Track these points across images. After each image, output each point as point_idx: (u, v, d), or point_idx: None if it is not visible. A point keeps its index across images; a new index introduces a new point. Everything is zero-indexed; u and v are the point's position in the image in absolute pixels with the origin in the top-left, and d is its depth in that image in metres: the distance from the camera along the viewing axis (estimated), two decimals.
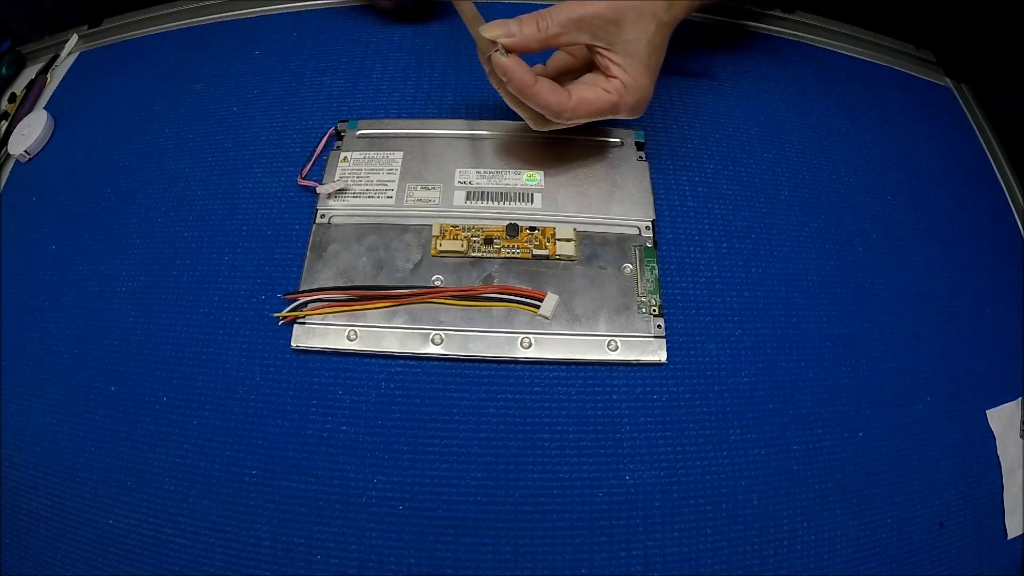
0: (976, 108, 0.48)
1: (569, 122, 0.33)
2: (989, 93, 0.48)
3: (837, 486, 0.33)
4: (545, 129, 0.35)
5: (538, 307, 0.34)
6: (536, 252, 0.35)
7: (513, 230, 0.35)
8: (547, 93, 0.32)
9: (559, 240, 0.36)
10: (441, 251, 0.35)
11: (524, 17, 0.32)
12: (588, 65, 0.35)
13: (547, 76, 0.34)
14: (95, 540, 0.31)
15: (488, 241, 0.35)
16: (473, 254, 0.35)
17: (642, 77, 0.33)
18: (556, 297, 0.34)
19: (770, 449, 0.33)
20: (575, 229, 0.36)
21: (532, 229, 0.36)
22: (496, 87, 0.34)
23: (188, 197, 0.39)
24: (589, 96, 0.33)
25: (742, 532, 0.31)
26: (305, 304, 0.34)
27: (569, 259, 0.35)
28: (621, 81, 0.33)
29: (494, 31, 0.32)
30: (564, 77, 0.36)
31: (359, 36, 0.45)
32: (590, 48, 0.33)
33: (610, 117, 0.34)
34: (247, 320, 0.35)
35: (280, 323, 0.34)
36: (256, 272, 0.36)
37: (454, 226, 0.36)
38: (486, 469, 0.31)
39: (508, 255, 0.35)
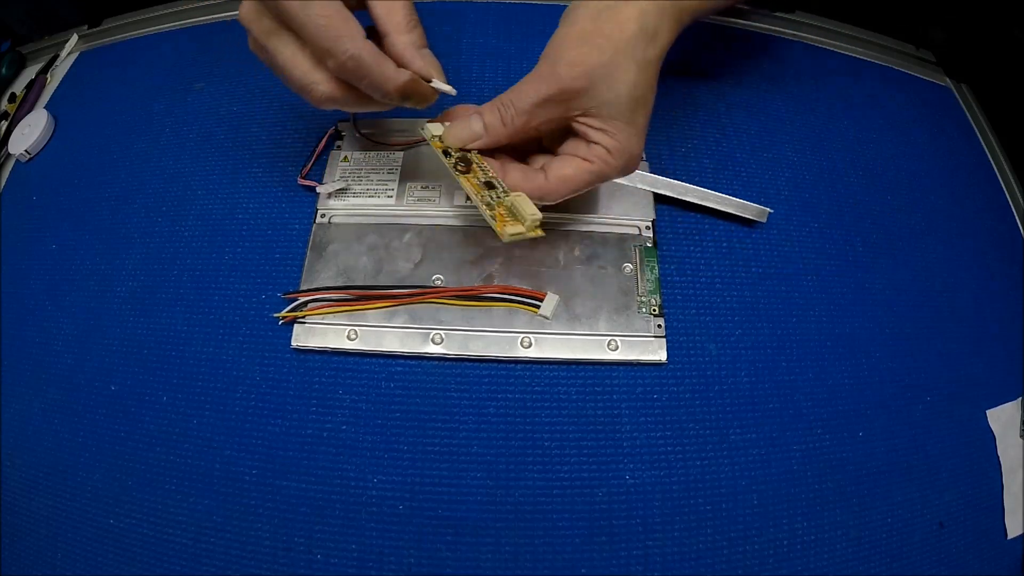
0: (976, 108, 0.48)
1: (554, 203, 0.30)
2: (989, 93, 0.48)
3: (837, 486, 0.33)
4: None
5: (538, 307, 0.34)
6: (509, 229, 0.29)
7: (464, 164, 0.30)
8: (519, 183, 0.29)
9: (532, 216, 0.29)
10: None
11: (485, 108, 0.29)
12: (566, 128, 0.30)
13: (520, 146, 0.30)
14: (95, 540, 0.31)
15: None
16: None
17: (627, 137, 0.29)
18: (556, 297, 0.34)
19: (770, 449, 0.33)
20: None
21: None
22: None
23: (188, 197, 0.39)
24: (568, 172, 0.29)
25: (742, 532, 0.31)
26: (305, 304, 0.34)
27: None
28: (604, 147, 0.29)
29: (460, 135, 0.30)
30: (549, 141, 0.32)
31: None
32: (564, 117, 0.29)
33: (597, 184, 0.30)
34: (247, 320, 0.35)
35: (280, 323, 0.34)
36: (256, 272, 0.36)
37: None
38: (486, 469, 0.31)
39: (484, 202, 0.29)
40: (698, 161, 0.40)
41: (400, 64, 0.28)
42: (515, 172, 0.30)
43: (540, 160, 0.31)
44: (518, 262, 0.35)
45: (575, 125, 0.29)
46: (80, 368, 0.35)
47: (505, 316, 0.34)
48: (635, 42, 0.28)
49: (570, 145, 0.30)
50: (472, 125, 0.29)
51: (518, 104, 0.28)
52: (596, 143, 0.29)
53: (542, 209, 0.29)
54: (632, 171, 0.30)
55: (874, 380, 0.35)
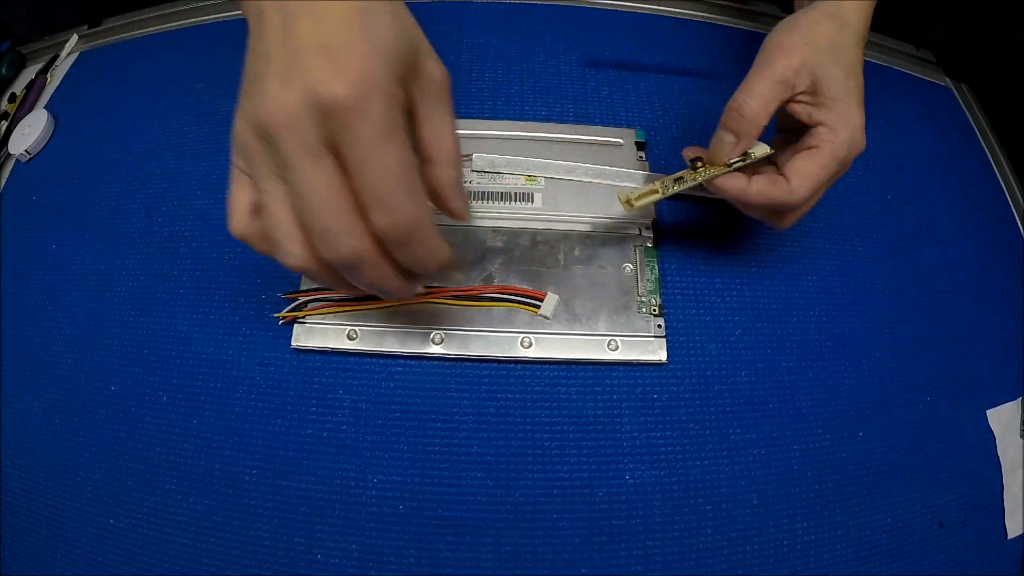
0: (976, 108, 0.48)
1: (809, 204, 0.31)
2: (989, 93, 0.48)
3: (837, 486, 0.33)
4: (792, 222, 0.32)
5: (538, 307, 0.34)
6: (732, 163, 0.31)
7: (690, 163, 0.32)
8: (766, 192, 0.30)
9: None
10: (636, 199, 0.32)
11: (722, 120, 0.31)
12: (795, 127, 0.32)
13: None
14: (95, 540, 0.31)
15: (678, 179, 0.32)
16: (670, 193, 0.32)
17: (845, 108, 0.30)
18: (556, 297, 0.34)
19: (770, 449, 0.33)
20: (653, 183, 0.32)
21: None
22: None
23: (188, 197, 0.39)
24: (801, 164, 0.30)
25: (742, 532, 0.31)
26: (305, 304, 0.34)
27: (764, 156, 0.31)
28: (824, 124, 0.30)
29: (721, 152, 0.31)
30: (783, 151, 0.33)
31: None
32: (790, 100, 0.31)
33: (838, 171, 0.31)
34: (247, 320, 0.35)
35: (280, 323, 0.34)
36: (256, 272, 0.36)
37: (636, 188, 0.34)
38: (486, 469, 0.31)
39: (705, 178, 0.32)
40: None
41: (435, 198, 0.25)
42: (759, 181, 0.31)
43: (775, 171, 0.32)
44: (518, 262, 0.35)
45: (796, 109, 0.31)
46: (80, 368, 0.35)
47: (505, 316, 0.34)
48: (830, 30, 0.30)
49: (799, 144, 0.31)
50: (724, 139, 0.31)
51: (751, 97, 0.30)
52: (818, 122, 0.30)
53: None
54: (860, 145, 0.30)
55: (874, 380, 0.35)
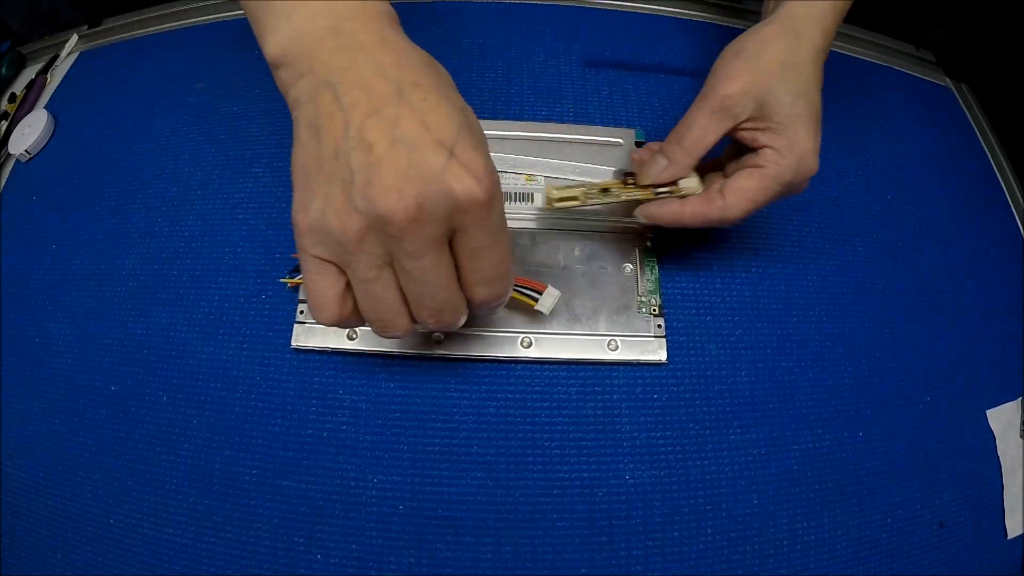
0: (976, 108, 0.48)
1: (741, 218, 0.30)
2: (989, 93, 0.48)
3: (837, 486, 0.33)
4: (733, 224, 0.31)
5: (536, 299, 0.33)
6: (659, 191, 0.32)
7: (620, 175, 0.32)
8: (701, 211, 0.30)
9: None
10: (557, 201, 0.32)
11: (664, 144, 0.31)
12: (741, 147, 0.31)
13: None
14: (95, 540, 0.31)
15: (604, 190, 0.33)
16: (591, 203, 0.33)
17: (792, 132, 0.29)
18: (557, 292, 0.32)
19: (770, 449, 0.33)
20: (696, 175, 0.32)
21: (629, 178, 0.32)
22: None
23: (188, 197, 0.39)
24: (742, 183, 0.30)
25: (742, 532, 0.31)
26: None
27: (693, 192, 0.31)
28: (771, 147, 0.29)
29: (650, 173, 0.31)
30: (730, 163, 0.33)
31: None
32: (734, 130, 0.30)
33: (782, 193, 0.30)
34: (247, 320, 0.35)
35: (288, 287, 0.34)
36: (256, 272, 0.36)
37: (566, 185, 0.34)
38: (486, 469, 0.31)
39: (629, 198, 0.32)
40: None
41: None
42: (694, 202, 0.31)
43: (718, 183, 0.31)
44: (518, 262, 0.35)
45: (742, 135, 0.30)
46: (80, 368, 0.35)
47: (505, 316, 0.34)
48: (781, 48, 0.29)
49: (743, 160, 0.31)
50: (657, 161, 0.31)
51: (689, 128, 0.30)
52: (764, 146, 0.29)
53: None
54: (810, 169, 0.29)
55: (874, 380, 0.35)
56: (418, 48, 0.24)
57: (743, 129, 0.30)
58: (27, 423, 0.34)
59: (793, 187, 0.30)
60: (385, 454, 0.32)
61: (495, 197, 0.22)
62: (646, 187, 0.32)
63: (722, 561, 0.31)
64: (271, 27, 0.24)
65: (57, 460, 0.33)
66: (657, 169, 0.31)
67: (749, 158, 0.30)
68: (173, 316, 0.35)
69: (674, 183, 0.31)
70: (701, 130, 0.30)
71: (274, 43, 0.24)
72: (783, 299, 0.36)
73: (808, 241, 0.38)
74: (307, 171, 0.23)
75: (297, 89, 0.23)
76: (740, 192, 0.29)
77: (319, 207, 0.22)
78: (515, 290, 0.33)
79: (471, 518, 0.31)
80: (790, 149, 0.29)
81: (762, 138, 0.30)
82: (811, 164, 0.29)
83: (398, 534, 0.30)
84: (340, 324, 0.25)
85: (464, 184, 0.21)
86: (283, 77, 0.24)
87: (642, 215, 0.32)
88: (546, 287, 0.33)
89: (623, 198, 0.32)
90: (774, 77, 0.29)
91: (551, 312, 0.33)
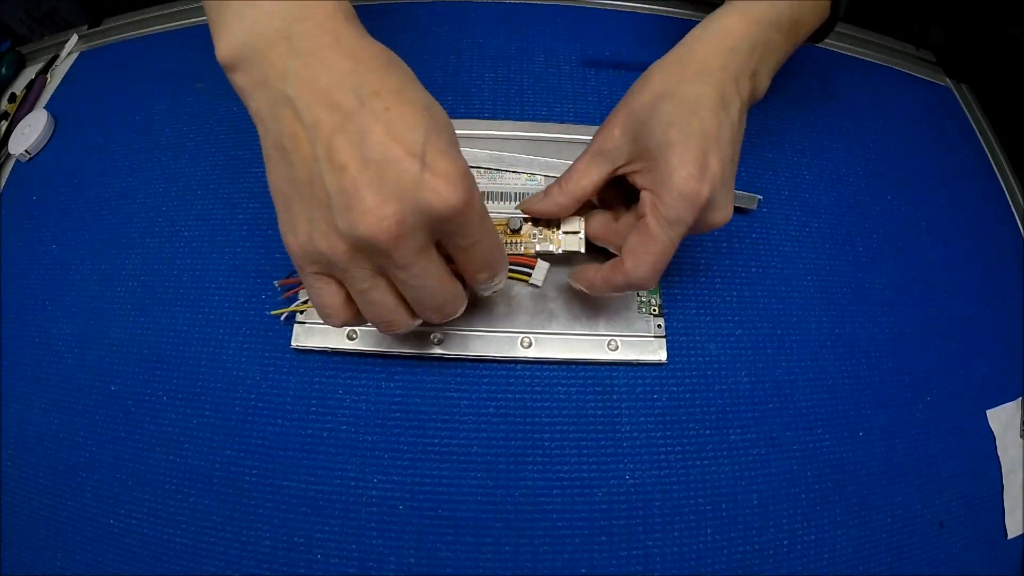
0: (976, 108, 0.48)
1: (653, 276, 0.28)
2: (989, 93, 0.48)
3: (837, 486, 0.33)
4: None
5: (530, 275, 0.33)
6: (540, 248, 0.32)
7: (515, 224, 0.33)
8: (607, 278, 0.29)
9: (564, 232, 0.32)
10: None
11: (559, 179, 0.31)
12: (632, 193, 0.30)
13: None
14: (95, 540, 0.31)
15: (515, 231, 0.33)
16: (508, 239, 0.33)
17: (665, 170, 0.26)
18: (547, 264, 0.34)
19: (770, 449, 0.33)
20: (583, 220, 0.32)
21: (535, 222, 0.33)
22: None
23: (188, 197, 0.39)
24: (634, 242, 0.27)
25: (742, 532, 0.31)
26: (306, 301, 0.34)
27: (575, 254, 0.32)
28: (647, 190, 0.27)
29: (531, 206, 0.31)
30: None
31: None
32: (618, 174, 0.29)
33: (689, 231, 0.27)
34: (247, 320, 0.35)
35: (282, 319, 0.34)
36: (256, 272, 0.36)
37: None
38: (486, 469, 0.31)
39: (510, 251, 0.33)
40: None
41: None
42: (604, 269, 0.29)
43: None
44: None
45: (630, 179, 0.29)
46: (80, 368, 0.35)
47: (505, 316, 0.34)
48: (659, 80, 0.29)
49: (634, 210, 0.29)
50: (548, 192, 0.31)
51: (572, 170, 0.30)
52: (641, 188, 0.28)
53: None
54: (696, 196, 0.26)
55: (874, 380, 0.35)
56: (375, 43, 0.23)
57: (625, 173, 0.29)
58: (27, 423, 0.34)
59: (694, 220, 0.27)
60: (385, 454, 0.32)
61: (472, 197, 0.22)
62: (538, 222, 0.32)
63: (722, 561, 0.31)
64: (223, 26, 0.23)
65: (57, 460, 0.33)
66: (534, 201, 0.31)
67: (636, 207, 0.28)
68: (173, 316, 0.35)
69: (557, 225, 0.32)
70: (579, 173, 0.30)
71: (224, 44, 0.23)
72: (783, 299, 0.36)
73: (808, 241, 0.38)
74: (286, 195, 0.23)
75: (256, 103, 0.23)
76: (635, 253, 0.27)
77: (305, 230, 0.23)
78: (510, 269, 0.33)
79: (471, 518, 0.31)
80: (662, 185, 0.26)
81: (640, 180, 0.28)
82: (693, 190, 0.26)
83: (398, 534, 0.30)
84: (352, 325, 0.26)
85: (440, 195, 0.21)
86: (238, 82, 0.23)
87: (570, 279, 0.32)
88: (536, 261, 0.33)
89: (523, 234, 0.32)
90: (645, 112, 0.27)
91: (551, 313, 0.34)
